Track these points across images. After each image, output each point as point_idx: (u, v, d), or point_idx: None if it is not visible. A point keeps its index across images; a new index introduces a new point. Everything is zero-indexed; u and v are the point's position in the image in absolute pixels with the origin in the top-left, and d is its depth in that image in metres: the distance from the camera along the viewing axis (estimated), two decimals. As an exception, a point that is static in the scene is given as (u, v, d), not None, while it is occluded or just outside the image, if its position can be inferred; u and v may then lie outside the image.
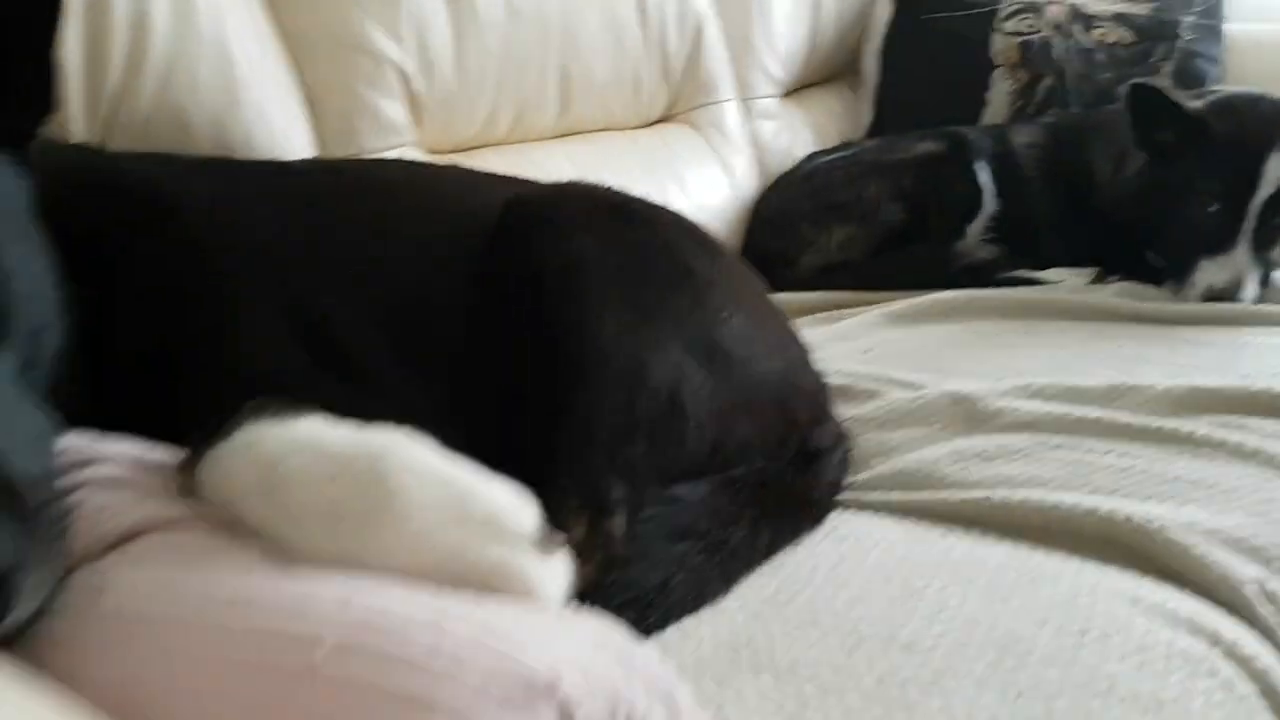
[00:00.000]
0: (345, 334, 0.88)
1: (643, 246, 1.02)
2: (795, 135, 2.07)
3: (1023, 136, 1.88)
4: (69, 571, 0.56)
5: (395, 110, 1.45)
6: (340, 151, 1.39)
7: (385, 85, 1.43)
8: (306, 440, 0.62)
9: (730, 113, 1.96)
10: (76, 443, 0.65)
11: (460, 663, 0.49)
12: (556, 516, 0.80)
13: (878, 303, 1.62)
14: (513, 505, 0.63)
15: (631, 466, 0.87)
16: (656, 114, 1.89)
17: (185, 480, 0.64)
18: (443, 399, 0.88)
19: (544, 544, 0.63)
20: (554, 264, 0.95)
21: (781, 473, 0.99)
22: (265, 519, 0.60)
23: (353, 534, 0.59)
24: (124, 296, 0.77)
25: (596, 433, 0.87)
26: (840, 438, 1.09)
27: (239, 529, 0.61)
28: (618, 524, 0.84)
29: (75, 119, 1.15)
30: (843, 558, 0.90)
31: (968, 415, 1.15)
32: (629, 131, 1.84)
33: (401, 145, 1.45)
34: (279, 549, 0.59)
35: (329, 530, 0.59)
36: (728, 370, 0.98)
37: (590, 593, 0.73)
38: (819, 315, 1.63)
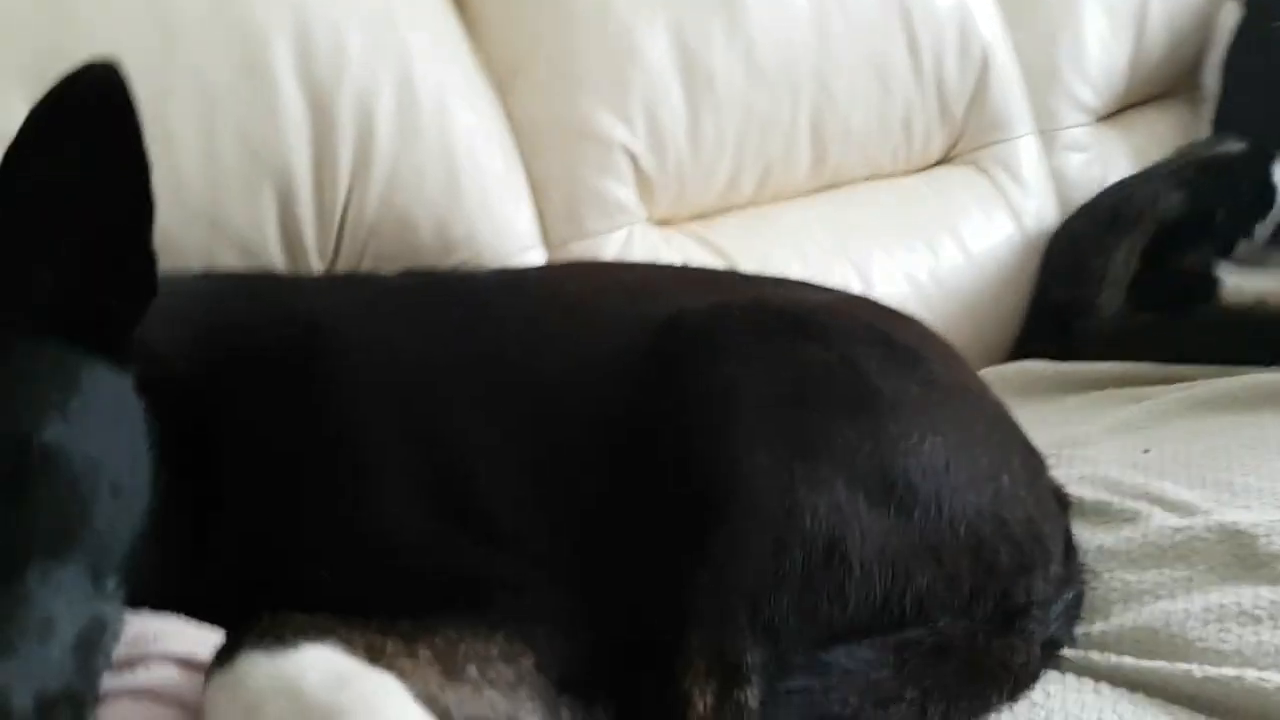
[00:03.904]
0: (479, 486, 0.85)
1: (814, 367, 0.90)
2: (1109, 165, 1.84)
3: None
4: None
5: (623, 192, 1.42)
6: (565, 236, 1.38)
7: (613, 169, 1.40)
8: (288, 685, 0.59)
9: (1025, 149, 1.77)
10: (141, 629, 0.66)
11: None
12: (681, 683, 0.74)
13: (1188, 378, 1.38)
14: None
15: (775, 627, 0.77)
16: (933, 158, 1.73)
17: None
18: (574, 553, 0.83)
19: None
20: (701, 391, 0.87)
21: (970, 635, 0.84)
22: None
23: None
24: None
25: (735, 585, 0.78)
26: (1066, 583, 0.92)
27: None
28: (751, 694, 0.75)
29: (307, 233, 1.21)
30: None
31: (1241, 557, 0.93)
32: (897, 179, 1.69)
33: (630, 224, 1.42)
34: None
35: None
36: (908, 509, 0.84)
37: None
38: (1115, 393, 1.43)
